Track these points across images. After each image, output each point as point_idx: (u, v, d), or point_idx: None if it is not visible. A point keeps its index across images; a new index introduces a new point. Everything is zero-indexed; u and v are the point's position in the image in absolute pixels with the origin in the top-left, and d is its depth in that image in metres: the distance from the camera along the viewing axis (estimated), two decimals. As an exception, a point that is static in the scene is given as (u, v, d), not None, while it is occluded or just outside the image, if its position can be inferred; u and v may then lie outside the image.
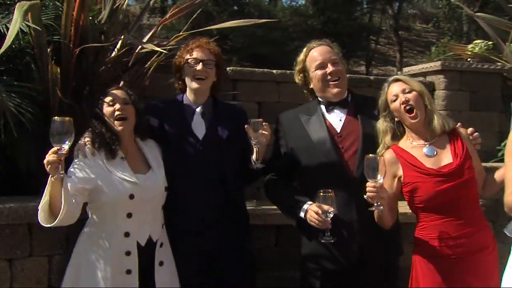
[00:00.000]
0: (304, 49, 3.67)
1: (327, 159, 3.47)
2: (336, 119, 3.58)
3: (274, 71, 5.79)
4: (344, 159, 3.47)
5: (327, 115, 3.60)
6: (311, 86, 3.65)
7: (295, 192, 3.58)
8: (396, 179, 3.31)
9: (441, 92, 6.38)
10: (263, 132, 3.32)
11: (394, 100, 3.36)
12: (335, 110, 3.60)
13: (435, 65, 6.58)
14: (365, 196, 3.13)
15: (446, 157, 3.28)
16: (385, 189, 3.16)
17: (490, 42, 6.85)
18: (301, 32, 18.82)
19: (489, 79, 6.58)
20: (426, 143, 3.34)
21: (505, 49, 6.73)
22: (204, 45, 3.63)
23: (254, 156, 3.38)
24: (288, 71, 5.53)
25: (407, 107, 3.31)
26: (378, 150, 3.39)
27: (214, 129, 3.58)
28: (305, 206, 3.43)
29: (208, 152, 3.52)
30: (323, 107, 3.62)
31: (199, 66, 3.55)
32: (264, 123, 3.34)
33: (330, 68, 3.54)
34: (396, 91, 3.37)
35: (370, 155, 3.13)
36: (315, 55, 3.60)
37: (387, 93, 3.42)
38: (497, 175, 3.31)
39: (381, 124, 3.44)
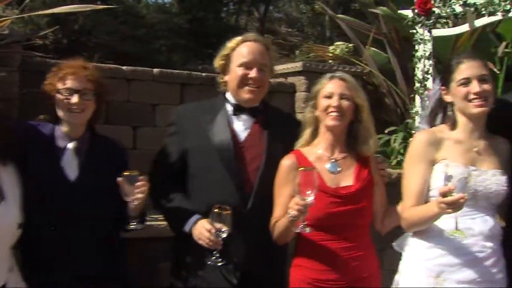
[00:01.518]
0: (239, 38, 3.23)
1: (226, 169, 3.09)
2: (242, 126, 3.19)
3: (124, 67, 5.30)
4: (244, 174, 3.10)
5: (232, 118, 3.21)
6: (227, 78, 3.23)
7: (183, 201, 3.16)
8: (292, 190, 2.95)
9: (302, 94, 6.19)
10: (140, 187, 2.86)
11: (327, 97, 3.02)
12: (242, 116, 3.20)
13: (296, 65, 6.39)
14: (289, 215, 2.78)
15: (348, 178, 3.02)
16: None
17: (351, 45, 6.83)
18: (167, 30, 18.28)
19: (351, 81, 6.51)
20: (332, 157, 3.05)
21: (364, 52, 6.74)
22: (79, 71, 3.00)
23: (131, 214, 2.93)
24: (140, 68, 5.08)
25: (334, 113, 2.99)
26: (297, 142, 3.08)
27: (89, 170, 3.00)
28: (192, 220, 3.04)
29: (81, 198, 2.92)
30: (230, 108, 3.22)
31: (75, 99, 2.96)
32: (140, 177, 2.87)
33: (254, 73, 3.15)
34: (333, 90, 3.03)
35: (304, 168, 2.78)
36: (244, 51, 3.18)
37: (324, 85, 3.07)
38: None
39: (307, 113, 3.11)
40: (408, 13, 4.28)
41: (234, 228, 2.90)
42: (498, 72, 5.72)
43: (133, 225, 2.95)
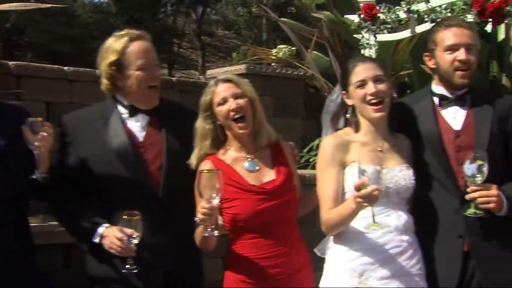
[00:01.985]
0: (123, 39, 3.07)
1: (129, 172, 3.01)
2: (138, 126, 3.11)
3: (66, 68, 5.21)
4: (148, 174, 3.04)
5: (127, 120, 3.12)
6: (121, 84, 3.10)
7: (88, 211, 3.05)
8: None
9: (246, 97, 6.24)
10: (44, 134, 2.78)
11: (222, 104, 3.01)
12: (138, 116, 3.12)
13: (240, 68, 6.44)
14: (196, 219, 2.77)
15: (269, 173, 3.05)
16: (217, 211, 2.82)
17: (293, 48, 6.91)
18: (103, 30, 17.93)
19: (293, 85, 6.62)
20: (248, 156, 3.06)
21: (307, 56, 6.83)
22: None
23: (36, 164, 2.81)
24: (82, 69, 5.00)
25: (237, 116, 2.99)
26: (192, 156, 3.02)
27: None
28: (100, 230, 2.95)
29: None
30: (122, 109, 3.12)
31: None
32: (45, 123, 2.80)
33: (154, 73, 3.09)
34: (225, 94, 3.01)
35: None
36: (137, 53, 3.06)
37: (213, 93, 3.04)
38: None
39: (200, 126, 3.06)
40: (354, 18, 4.37)
41: (148, 231, 2.86)
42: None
43: (37, 175, 2.83)
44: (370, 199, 2.71)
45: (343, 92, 3.08)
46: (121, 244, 2.82)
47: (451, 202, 2.97)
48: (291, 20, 7.36)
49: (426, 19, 4.29)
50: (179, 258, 3.02)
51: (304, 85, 6.79)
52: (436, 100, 3.12)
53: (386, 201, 2.92)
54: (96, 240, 2.96)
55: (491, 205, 2.82)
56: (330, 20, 6.24)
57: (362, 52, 4.31)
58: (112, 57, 3.06)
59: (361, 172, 2.73)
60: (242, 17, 21.30)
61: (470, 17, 4.18)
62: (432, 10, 4.21)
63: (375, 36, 4.29)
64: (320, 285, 3.04)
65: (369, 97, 2.93)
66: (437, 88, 3.13)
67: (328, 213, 2.92)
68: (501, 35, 6.46)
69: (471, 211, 2.83)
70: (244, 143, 3.06)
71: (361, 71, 2.97)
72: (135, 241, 2.80)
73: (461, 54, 2.98)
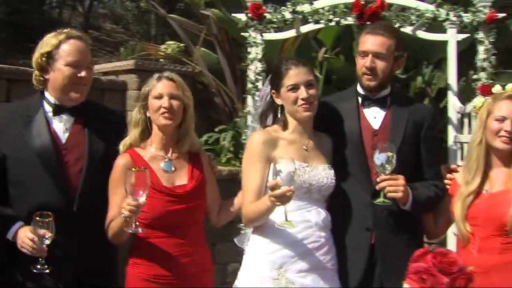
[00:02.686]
0: (61, 36, 3.10)
1: (47, 174, 3.00)
2: (62, 127, 3.10)
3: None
4: (67, 177, 3.03)
5: (51, 119, 3.10)
6: (49, 76, 3.10)
7: (4, 208, 3.02)
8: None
9: (134, 92, 6.17)
10: None
11: (157, 98, 3.06)
12: (63, 117, 3.11)
13: (128, 63, 6.35)
14: (121, 216, 2.79)
15: (182, 177, 3.11)
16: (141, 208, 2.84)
17: (182, 44, 6.93)
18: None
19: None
20: (166, 156, 3.11)
21: (195, 52, 6.89)
22: None
23: None
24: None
25: (166, 113, 3.03)
26: (121, 142, 3.07)
27: None
28: (15, 227, 2.93)
29: None
30: (48, 108, 3.09)
31: None
32: None
33: (83, 73, 3.08)
34: (163, 91, 3.06)
35: None
36: (71, 50, 3.07)
37: (153, 86, 3.10)
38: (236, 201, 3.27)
39: (135, 114, 3.14)
40: (242, 16, 4.46)
41: (61, 233, 2.86)
42: (319, 75, 6.17)
43: None
44: (283, 199, 2.82)
45: (273, 91, 3.17)
46: (33, 245, 2.81)
47: (363, 197, 3.14)
48: (180, 17, 7.38)
49: (310, 20, 4.45)
50: (90, 261, 3.03)
51: (192, 81, 6.82)
52: (360, 100, 3.28)
53: (309, 197, 3.07)
54: (10, 237, 2.93)
55: (399, 194, 3.00)
56: (218, 18, 6.34)
57: (249, 50, 4.40)
58: (46, 49, 3.09)
59: (277, 172, 2.83)
60: (130, 11, 20.87)
61: (350, 20, 4.39)
62: (316, 11, 4.38)
63: (261, 35, 4.39)
64: (239, 275, 3.12)
65: (300, 102, 3.06)
66: (361, 88, 3.29)
67: (248, 207, 3.03)
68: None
69: (380, 199, 3.00)
70: (166, 142, 3.12)
71: (294, 75, 3.09)
72: (47, 242, 2.81)
73: (367, 61, 3.17)
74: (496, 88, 3.24)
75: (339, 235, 3.16)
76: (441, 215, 3.29)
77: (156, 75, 3.16)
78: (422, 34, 4.93)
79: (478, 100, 3.39)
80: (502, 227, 2.96)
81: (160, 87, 3.09)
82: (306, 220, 3.03)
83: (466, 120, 4.56)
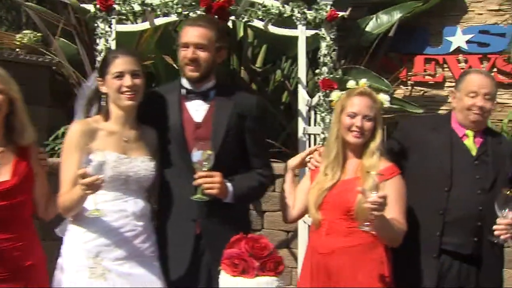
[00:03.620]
0: None
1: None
2: None
3: None
4: None
5: None
6: None
7: None
8: None
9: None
10: None
11: None
12: None
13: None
14: None
15: (5, 174, 3.02)
16: None
17: (39, 34, 6.70)
18: None
19: (38, 72, 6.41)
20: None
21: (54, 43, 6.69)
22: None
23: None
24: None
25: None
26: None
27: None
28: None
29: None
30: None
31: None
32: None
33: None
34: None
35: None
36: None
37: None
38: None
39: None
40: (91, 7, 4.39)
41: None
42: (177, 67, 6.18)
43: None
44: (92, 188, 2.84)
45: (99, 78, 3.16)
46: None
47: (187, 189, 3.15)
48: (37, 5, 7.13)
49: (159, 13, 4.47)
50: None
51: (50, 72, 6.63)
52: (183, 92, 3.30)
53: (126, 188, 3.09)
54: None
55: (215, 191, 3.07)
56: (75, 8, 6.19)
57: (98, 41, 4.35)
58: None
59: (87, 162, 2.84)
60: (-5, -3, 19.79)
61: (199, 14, 4.45)
62: (165, 4, 4.39)
63: (110, 27, 4.34)
64: (57, 265, 3.11)
65: (124, 89, 3.07)
66: (185, 81, 3.31)
67: (63, 196, 3.02)
68: (241, 32, 7.00)
69: (197, 196, 3.05)
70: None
71: (120, 63, 3.09)
72: None
73: (189, 52, 3.21)
74: (350, 84, 3.37)
75: (166, 225, 3.23)
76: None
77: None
78: (273, 29, 5.12)
79: (334, 95, 3.50)
80: (348, 212, 3.10)
81: None
82: (122, 209, 3.07)
83: (313, 113, 4.78)
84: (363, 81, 3.35)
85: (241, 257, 2.48)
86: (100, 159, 2.85)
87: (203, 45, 3.22)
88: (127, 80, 3.07)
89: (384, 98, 3.34)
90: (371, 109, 3.21)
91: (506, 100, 7.12)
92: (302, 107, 4.91)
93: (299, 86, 5.00)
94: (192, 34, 3.23)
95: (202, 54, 3.22)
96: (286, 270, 5.03)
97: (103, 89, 3.15)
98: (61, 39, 6.74)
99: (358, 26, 6.83)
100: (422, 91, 7.38)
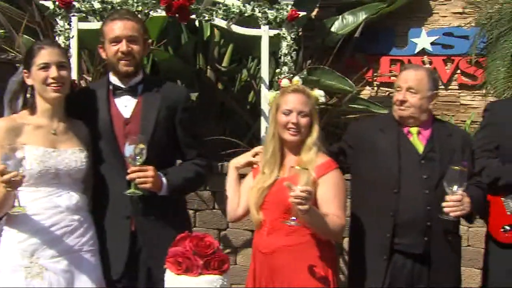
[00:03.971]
0: None
1: None
2: None
3: None
4: None
5: None
6: None
7: None
8: None
9: None
10: None
11: None
12: None
13: None
14: None
15: None
16: None
17: (2, 31, 6.62)
18: None
19: (1, 69, 6.32)
20: None
21: (17, 40, 6.60)
22: None
23: None
24: None
25: None
26: None
27: None
28: None
29: None
30: None
31: None
32: None
33: None
34: None
35: None
36: None
37: None
38: None
39: None
40: (50, 4, 4.36)
41: None
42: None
43: None
44: (12, 184, 2.82)
45: (25, 71, 3.12)
46: None
47: (120, 185, 3.16)
48: (0, 1, 7.03)
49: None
50: None
51: (14, 69, 6.54)
52: (111, 88, 3.29)
53: (57, 183, 3.06)
54: None
55: (148, 185, 3.07)
56: (39, 5, 6.12)
57: (57, 38, 4.32)
58: None
59: (6, 158, 2.82)
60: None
61: (160, 12, 4.45)
62: (125, 2, 4.38)
63: (70, 24, 4.32)
64: None
65: (50, 80, 3.03)
66: (112, 78, 3.30)
67: None
68: (208, 31, 6.97)
69: (131, 190, 3.06)
70: None
71: (46, 54, 3.06)
72: None
73: (122, 46, 3.19)
74: (284, 82, 3.42)
75: (103, 222, 3.22)
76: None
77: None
78: (237, 29, 5.12)
79: (271, 95, 3.55)
80: (288, 210, 3.10)
81: None
82: (56, 205, 3.05)
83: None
84: (296, 79, 3.41)
85: (185, 255, 2.48)
86: (20, 155, 2.82)
87: (135, 38, 3.22)
88: (53, 72, 3.05)
89: (318, 93, 3.39)
90: (305, 105, 3.24)
91: (469, 102, 7.19)
92: (265, 106, 4.93)
93: (262, 85, 5.02)
94: (122, 27, 3.22)
95: (135, 47, 3.22)
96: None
97: (29, 81, 3.12)
98: (25, 36, 6.66)
99: (324, 26, 6.85)
100: (388, 92, 7.43)
